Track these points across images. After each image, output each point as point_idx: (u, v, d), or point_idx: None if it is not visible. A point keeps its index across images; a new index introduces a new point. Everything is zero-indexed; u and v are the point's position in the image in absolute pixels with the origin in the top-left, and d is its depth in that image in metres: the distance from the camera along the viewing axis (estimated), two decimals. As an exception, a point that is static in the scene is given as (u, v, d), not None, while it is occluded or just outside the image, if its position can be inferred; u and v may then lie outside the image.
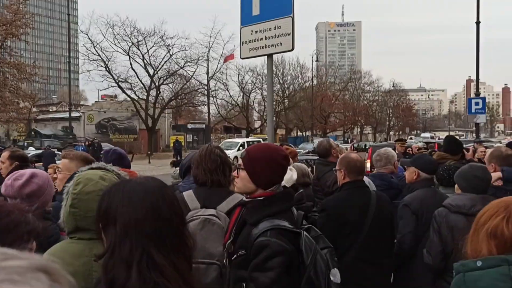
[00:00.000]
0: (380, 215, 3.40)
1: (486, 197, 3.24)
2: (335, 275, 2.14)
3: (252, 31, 5.22)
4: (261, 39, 5.13)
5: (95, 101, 54.72)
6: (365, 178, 4.22)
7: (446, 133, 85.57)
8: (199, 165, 2.85)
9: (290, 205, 2.33)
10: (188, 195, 2.83)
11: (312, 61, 52.34)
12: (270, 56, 5.24)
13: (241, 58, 5.42)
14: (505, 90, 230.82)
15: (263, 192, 2.28)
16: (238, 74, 49.70)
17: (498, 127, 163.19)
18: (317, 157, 5.11)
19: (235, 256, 2.23)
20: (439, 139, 47.87)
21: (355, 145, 6.85)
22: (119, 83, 39.74)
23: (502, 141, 38.33)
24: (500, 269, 1.40)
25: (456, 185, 3.46)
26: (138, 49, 39.93)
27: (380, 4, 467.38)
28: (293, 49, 4.89)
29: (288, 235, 2.11)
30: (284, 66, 54.57)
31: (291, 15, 4.88)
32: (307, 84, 56.45)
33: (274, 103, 57.06)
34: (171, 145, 37.35)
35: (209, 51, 41.14)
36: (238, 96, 50.62)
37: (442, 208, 3.31)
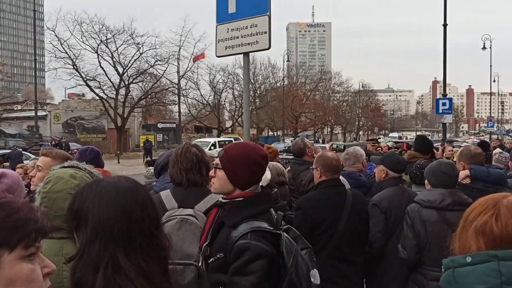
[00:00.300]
0: (355, 213, 3.44)
1: (454, 191, 3.39)
2: (315, 276, 2.12)
3: (228, 29, 5.16)
4: (237, 37, 5.07)
5: (62, 100, 53.34)
6: (341, 177, 4.27)
7: (413, 133, 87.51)
8: (175, 164, 2.79)
9: (269, 206, 2.27)
10: (165, 195, 2.77)
11: (283, 61, 52.65)
12: (246, 54, 5.19)
13: (216, 56, 5.35)
14: (469, 91, 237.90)
15: (241, 193, 2.20)
16: (209, 73, 49.36)
17: (462, 127, 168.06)
18: (291, 156, 5.13)
19: (212, 259, 2.16)
20: (406, 139, 49.04)
21: (334, 146, 6.85)
22: (87, 82, 39.05)
23: (466, 140, 39.45)
24: (489, 265, 1.41)
25: (426, 181, 3.58)
26: (107, 47, 39.55)
27: (350, 6, 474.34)
28: (269, 47, 4.86)
29: (268, 237, 2.06)
30: (255, 66, 54.49)
31: (268, 13, 4.84)
32: (278, 84, 56.61)
33: (246, 102, 57.42)
34: (141, 144, 36.83)
35: (179, 50, 41.13)
36: (209, 96, 50.37)
37: (414, 204, 3.41)
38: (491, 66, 45.84)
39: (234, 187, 2.21)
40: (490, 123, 46.49)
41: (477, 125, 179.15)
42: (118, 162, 30.81)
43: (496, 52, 43.94)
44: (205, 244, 2.23)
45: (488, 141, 15.41)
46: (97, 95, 39.93)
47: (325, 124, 67.46)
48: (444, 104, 17.84)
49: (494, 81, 49.56)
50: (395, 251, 3.51)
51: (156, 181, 5.35)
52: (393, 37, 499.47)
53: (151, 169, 5.96)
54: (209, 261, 2.18)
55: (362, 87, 74.40)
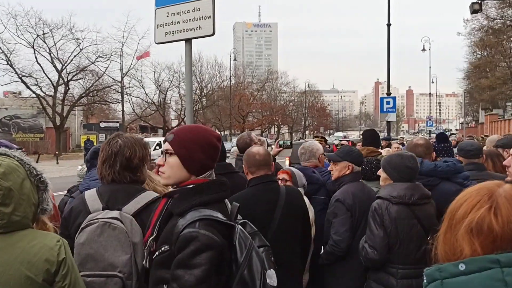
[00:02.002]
0: (290, 211, 3.10)
1: (419, 185, 3.30)
2: (272, 277, 1.91)
3: (168, 13, 4.72)
4: (178, 22, 4.65)
5: (-5, 98, 50.24)
6: (295, 170, 3.97)
7: (357, 133, 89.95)
8: (100, 158, 2.41)
9: (225, 195, 2.01)
10: (90, 195, 2.36)
11: (230, 60, 52.24)
12: (188, 41, 4.77)
13: (156, 43, 4.89)
14: (409, 92, 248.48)
15: (194, 180, 1.96)
16: (154, 72, 48.17)
17: (403, 127, 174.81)
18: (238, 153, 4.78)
19: (156, 254, 1.88)
20: (352, 138, 50.13)
21: (280, 142, 6.59)
22: (23, 78, 36.89)
23: (407, 139, 40.75)
24: (490, 273, 1.09)
25: (382, 176, 3.43)
26: (44, 42, 37.72)
27: (296, 7, 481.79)
28: (213, 33, 4.48)
29: (220, 228, 1.82)
30: (201, 65, 53.99)
31: (212, -4, 4.46)
32: (225, 83, 56.32)
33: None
34: (82, 144, 35.33)
35: (122, 47, 39.76)
36: (154, 94, 49.10)
37: (380, 200, 3.24)
38: (430, 67, 47.79)
39: (189, 174, 1.97)
40: (430, 122, 48.49)
41: (417, 124, 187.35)
42: (57, 163, 29.82)
43: (434, 55, 45.84)
44: (151, 238, 1.95)
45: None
46: (34, 92, 37.95)
47: (272, 123, 67.88)
48: (388, 102, 18.16)
49: (432, 82, 51.72)
50: (355, 250, 3.36)
51: (83, 179, 4.84)
52: (338, 39, 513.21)
53: (85, 167, 5.39)
54: (153, 257, 1.90)
55: (308, 87, 75.53)
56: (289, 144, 5.34)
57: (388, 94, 18.77)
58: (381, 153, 4.97)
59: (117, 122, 49.45)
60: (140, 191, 2.36)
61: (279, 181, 3.77)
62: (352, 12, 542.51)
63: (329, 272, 3.64)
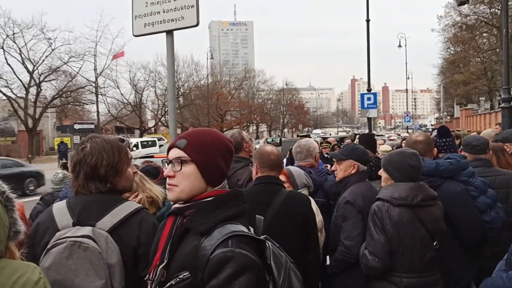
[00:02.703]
0: (284, 215, 2.78)
1: (423, 185, 3.03)
2: None
3: (147, 2, 4.32)
4: (159, 13, 4.25)
5: (-36, 100, 48.57)
6: (294, 170, 3.66)
7: (335, 129, 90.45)
8: (70, 164, 2.06)
9: (246, 207, 1.71)
10: (59, 209, 1.98)
11: (207, 59, 51.54)
12: (170, 33, 4.37)
13: (134, 36, 4.48)
14: (385, 88, 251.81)
15: (212, 191, 1.67)
16: (130, 71, 47.35)
17: (379, 123, 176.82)
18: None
19: (171, 283, 1.54)
20: (330, 135, 50.17)
21: (269, 140, 6.32)
22: (-8, 80, 35.66)
23: (391, 135, 40.89)
24: None
25: (384, 176, 3.17)
26: (14, 42, 36.77)
27: (271, 6, 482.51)
28: (197, 24, 4.10)
29: (253, 245, 1.56)
30: (178, 64, 53.20)
31: (195, -17, 4.07)
32: (202, 82, 55.66)
33: (169, 101, 55.43)
34: (56, 147, 34.38)
35: (96, 46, 38.89)
36: (130, 94, 48.15)
37: (380, 202, 2.96)
38: (406, 63, 48.22)
39: (207, 185, 1.68)
40: (407, 118, 48.95)
41: (393, 120, 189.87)
42: None
43: (408, 52, 46.31)
44: (161, 266, 1.60)
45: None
46: (5, 94, 36.94)
47: (250, 122, 67.55)
48: (369, 99, 18.03)
49: (408, 78, 52.23)
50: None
51: (64, 187, 4.41)
52: (314, 38, 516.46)
53: (60, 173, 4.91)
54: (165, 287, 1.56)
55: (286, 85, 75.48)
56: (278, 142, 5.01)
57: (369, 90, 18.64)
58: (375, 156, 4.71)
59: (92, 123, 48.33)
60: (118, 202, 1.99)
61: None
62: (327, 11, 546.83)
63: (338, 282, 3.33)
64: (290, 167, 3.91)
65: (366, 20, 18.22)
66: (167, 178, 1.68)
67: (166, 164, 1.71)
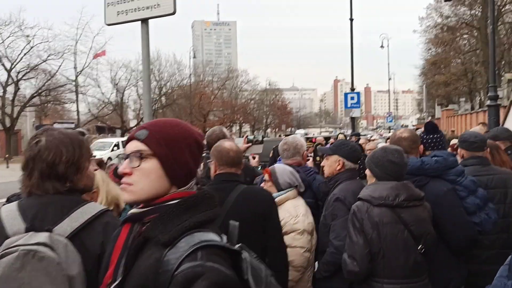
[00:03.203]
0: (238, 214, 2.52)
1: (407, 184, 2.81)
2: None
3: (120, -11, 4.05)
4: (133, 0, 3.99)
5: None
6: (278, 167, 3.44)
7: (318, 130, 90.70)
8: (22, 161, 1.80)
9: (217, 211, 1.41)
10: (8, 212, 1.71)
11: (190, 58, 51.10)
12: (145, 21, 4.12)
13: (106, 24, 4.21)
14: (367, 89, 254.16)
15: (177, 192, 1.38)
16: (111, 70, 46.53)
17: (362, 123, 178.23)
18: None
19: None
20: (313, 135, 50.18)
21: (249, 137, 5.96)
22: (-32, 78, 34.86)
23: (374, 136, 41.00)
24: None
25: (368, 174, 3.00)
26: (-9, 39, 35.57)
27: (254, 6, 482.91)
28: (174, 12, 3.85)
29: (226, 257, 1.27)
30: (160, 63, 52.65)
31: (171, -32, 3.83)
32: (185, 82, 55.16)
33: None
34: (35, 147, 33.58)
35: (76, 44, 38.19)
36: (111, 93, 47.42)
37: (360, 202, 2.77)
38: (389, 64, 48.52)
39: (171, 185, 1.39)
40: (390, 118, 49.26)
41: (375, 121, 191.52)
42: (7, 167, 28.36)
43: (390, 53, 46.59)
44: (113, 286, 1.32)
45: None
46: (-19, 93, 35.91)
47: (233, 122, 67.25)
48: (352, 98, 17.97)
49: (390, 79, 52.58)
50: None
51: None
52: (297, 38, 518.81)
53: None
54: None
55: (269, 85, 75.41)
56: (260, 139, 4.79)
57: (352, 89, 18.58)
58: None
59: (72, 122, 47.50)
60: (79, 203, 1.74)
61: (263, 183, 3.27)
62: (309, 12, 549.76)
63: (324, 286, 3.13)
64: (275, 165, 3.72)
65: (350, 19, 18.16)
66: (123, 176, 1.40)
67: (123, 160, 1.43)
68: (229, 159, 2.77)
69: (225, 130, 4.08)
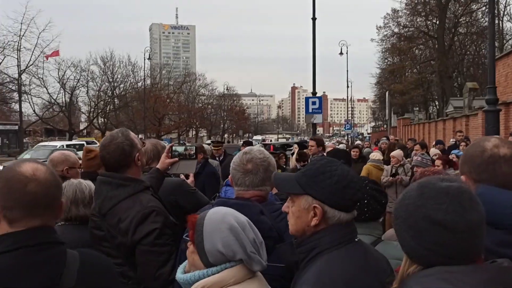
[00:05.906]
0: None
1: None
2: None
3: None
4: None
5: None
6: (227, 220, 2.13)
7: (275, 136, 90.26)
8: None
9: None
10: None
11: (144, 60, 49.04)
12: None
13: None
14: (324, 97, 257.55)
15: None
16: (59, 69, 43.49)
17: (318, 130, 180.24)
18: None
19: None
20: (271, 141, 49.40)
21: (176, 148, 4.37)
22: None
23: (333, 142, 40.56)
24: None
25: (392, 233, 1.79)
26: None
27: (213, 11, 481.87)
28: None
29: None
30: (113, 64, 50.38)
31: None
32: (139, 84, 53.01)
33: (103, 102, 51.06)
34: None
35: (20, 40, 35.56)
36: (58, 94, 44.61)
37: None
38: (347, 71, 48.44)
39: None
40: (348, 126, 49.19)
41: (331, 128, 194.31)
42: None
43: (346, 62, 46.42)
44: None
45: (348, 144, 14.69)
46: None
47: (190, 126, 65.56)
48: (314, 103, 17.01)
49: (348, 86, 52.60)
50: None
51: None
52: (256, 44, 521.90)
53: None
54: None
55: (227, 90, 74.30)
56: (192, 153, 3.10)
57: (314, 94, 17.63)
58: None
59: (16, 124, 44.37)
60: None
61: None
62: (267, 20, 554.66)
63: None
64: (208, 211, 1.81)
65: (312, 19, 17.28)
66: None
67: None
68: (27, 199, 1.48)
69: (133, 135, 2.59)
